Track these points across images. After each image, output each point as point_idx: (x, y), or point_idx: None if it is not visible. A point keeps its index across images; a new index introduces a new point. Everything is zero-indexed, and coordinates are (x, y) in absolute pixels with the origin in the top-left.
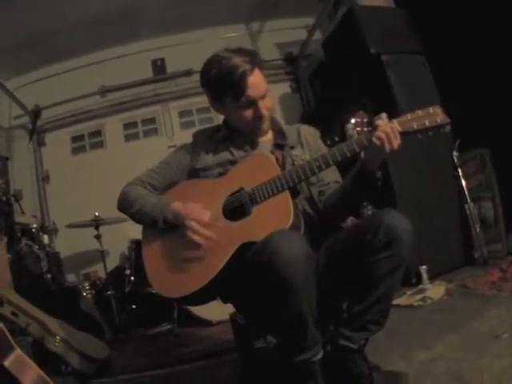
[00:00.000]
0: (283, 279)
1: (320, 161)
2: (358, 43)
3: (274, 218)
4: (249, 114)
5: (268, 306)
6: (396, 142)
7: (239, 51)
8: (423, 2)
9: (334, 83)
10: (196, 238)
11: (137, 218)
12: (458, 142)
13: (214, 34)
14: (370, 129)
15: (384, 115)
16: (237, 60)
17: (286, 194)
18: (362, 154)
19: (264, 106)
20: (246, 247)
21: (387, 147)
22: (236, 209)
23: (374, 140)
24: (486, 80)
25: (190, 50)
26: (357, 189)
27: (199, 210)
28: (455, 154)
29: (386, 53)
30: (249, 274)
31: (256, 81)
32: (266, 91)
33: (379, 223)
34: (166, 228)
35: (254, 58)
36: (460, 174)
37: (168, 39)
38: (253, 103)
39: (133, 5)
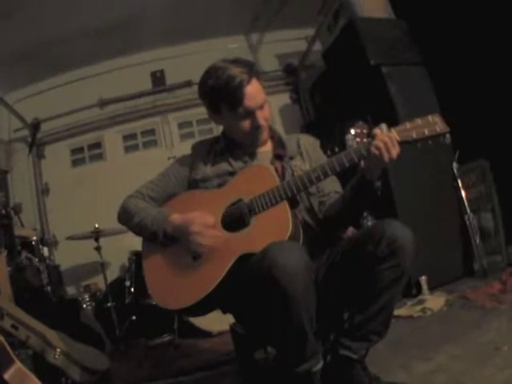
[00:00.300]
0: (282, 290)
1: (318, 171)
2: (358, 55)
3: (273, 229)
4: (246, 124)
5: (267, 317)
6: (395, 152)
7: (236, 62)
8: (423, 14)
9: (334, 94)
10: (204, 240)
11: (137, 231)
12: (457, 153)
13: (214, 46)
14: (370, 140)
15: (384, 126)
16: (234, 70)
17: (285, 205)
18: (362, 164)
19: (262, 116)
20: (244, 258)
21: (386, 157)
22: (235, 220)
23: (373, 149)
24: (486, 91)
25: (190, 61)
26: (357, 199)
27: (201, 214)
28: (455, 165)
29: (386, 64)
30: (248, 285)
31: (253, 91)
32: (264, 101)
33: (381, 234)
34: (165, 241)
35: (251, 69)
36: (460, 185)
37: (167, 51)
38: (250, 113)
39: (131, 17)
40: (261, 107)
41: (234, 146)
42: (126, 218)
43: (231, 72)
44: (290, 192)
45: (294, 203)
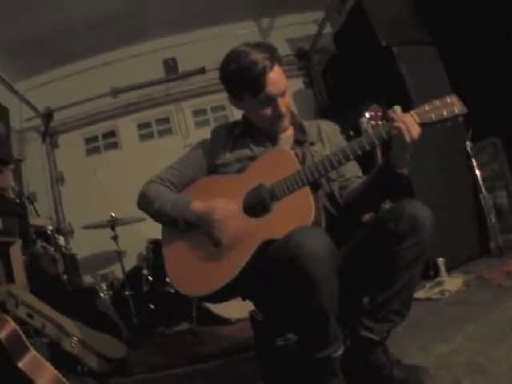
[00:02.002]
0: (307, 274)
1: (339, 155)
2: (368, 36)
3: (296, 214)
4: (268, 111)
5: (290, 302)
6: (415, 131)
7: (258, 46)
8: None
9: (347, 77)
10: (227, 229)
11: (157, 217)
12: (470, 131)
13: (225, 32)
14: (384, 122)
15: (398, 108)
16: (256, 56)
17: (307, 190)
18: (379, 150)
19: (283, 103)
20: (267, 244)
21: (407, 137)
22: (256, 205)
23: (393, 131)
24: (497, 68)
25: (201, 48)
26: (381, 186)
27: (224, 202)
28: (468, 144)
29: (397, 44)
30: (270, 271)
31: (276, 78)
32: (286, 88)
33: (401, 213)
34: (186, 228)
35: (273, 54)
36: (474, 163)
37: (178, 38)
38: (272, 100)
39: (142, 4)
40: (282, 94)
41: (254, 130)
42: (145, 203)
43: (253, 57)
44: (311, 176)
45: (315, 188)
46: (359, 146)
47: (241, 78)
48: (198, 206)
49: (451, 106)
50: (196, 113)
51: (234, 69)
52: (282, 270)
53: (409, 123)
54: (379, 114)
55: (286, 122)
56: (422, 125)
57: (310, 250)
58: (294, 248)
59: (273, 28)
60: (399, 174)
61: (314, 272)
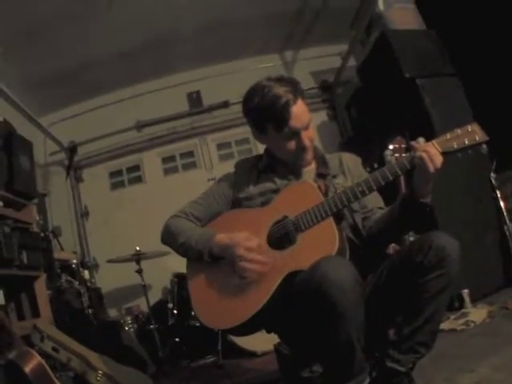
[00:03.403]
0: (333, 305)
1: (363, 186)
2: (392, 68)
3: (320, 245)
4: (292, 144)
5: (315, 334)
6: (438, 160)
7: (281, 80)
8: (454, 23)
9: (371, 109)
10: (249, 265)
11: (181, 251)
12: (495, 163)
13: (249, 65)
14: (410, 153)
15: (421, 140)
16: (279, 90)
17: (330, 221)
18: (402, 180)
19: (307, 136)
20: (291, 276)
21: (430, 166)
22: (281, 238)
23: (416, 160)
24: None
25: (225, 81)
26: (404, 216)
27: (246, 237)
28: (493, 175)
29: (421, 76)
30: (295, 302)
31: (299, 111)
32: (309, 121)
33: (429, 244)
34: (211, 261)
35: (296, 88)
36: (498, 195)
37: (202, 71)
38: (296, 134)
39: (166, 38)
40: (306, 127)
41: (277, 164)
42: (169, 238)
43: (276, 91)
44: (335, 207)
45: (338, 219)
46: (382, 177)
47: (264, 112)
48: (222, 238)
49: (472, 134)
50: (220, 146)
51: (258, 103)
52: (308, 300)
53: (431, 152)
54: (403, 146)
55: (309, 155)
56: (444, 153)
57: (334, 278)
58: (318, 278)
59: (296, 61)
60: (422, 204)
61: (339, 300)
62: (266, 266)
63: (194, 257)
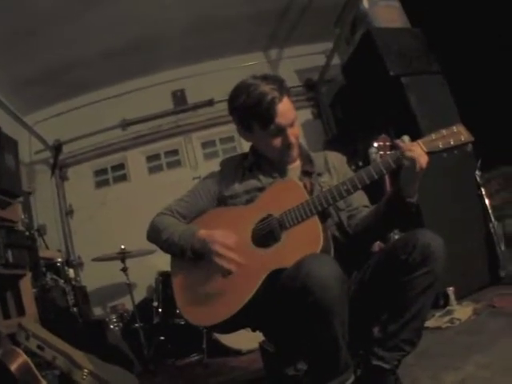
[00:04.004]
0: (317, 302)
1: (348, 184)
2: (376, 66)
3: (304, 243)
4: (277, 141)
5: (300, 331)
6: (424, 160)
7: (266, 78)
8: (439, 21)
9: (355, 107)
10: (222, 262)
11: (165, 247)
12: (479, 161)
13: (234, 64)
14: (395, 151)
15: (406, 138)
16: (265, 87)
17: (315, 219)
18: (387, 179)
19: (292, 133)
20: (275, 273)
21: (417, 166)
22: (265, 235)
23: (403, 161)
24: (506, 97)
25: (210, 79)
26: (391, 214)
27: (223, 234)
28: (478, 173)
29: (406, 74)
30: (279, 300)
31: (285, 108)
32: (295, 119)
33: (414, 242)
34: (193, 257)
35: (281, 85)
36: (483, 193)
37: (187, 70)
38: (281, 131)
39: (151, 37)
40: (291, 124)
41: (263, 162)
42: (154, 235)
43: (262, 89)
44: (320, 206)
45: (324, 217)
46: (367, 175)
47: (250, 109)
48: (202, 233)
49: (458, 134)
50: (205, 144)
51: (244, 101)
52: (292, 298)
53: (417, 152)
54: (388, 143)
55: (295, 152)
56: (429, 153)
57: (319, 275)
58: (303, 275)
59: (281, 59)
60: (408, 203)
61: (323, 297)
62: (238, 264)
63: (178, 253)
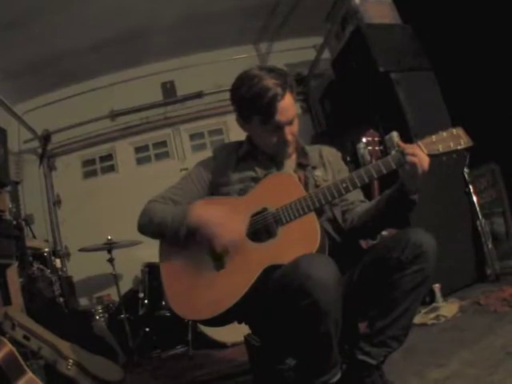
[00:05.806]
0: (315, 304)
1: (347, 182)
2: (366, 62)
3: (302, 240)
4: (273, 138)
5: (292, 328)
6: (426, 164)
7: (271, 71)
8: (429, 18)
9: (344, 102)
10: (219, 238)
11: (158, 231)
12: (468, 158)
13: (223, 56)
14: (381, 148)
15: (395, 134)
16: (268, 82)
17: (313, 216)
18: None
19: (290, 131)
20: (270, 269)
21: (419, 170)
22: (260, 230)
23: (406, 166)
24: (495, 95)
25: (200, 72)
26: (391, 210)
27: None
28: (466, 170)
29: (395, 71)
30: (272, 296)
31: (286, 106)
32: (295, 116)
33: (406, 240)
34: (187, 234)
35: (285, 81)
36: (471, 190)
37: (177, 62)
38: (280, 128)
39: (141, 28)
40: (290, 122)
41: (259, 153)
42: (146, 221)
43: (265, 83)
44: (318, 202)
45: (318, 213)
46: (367, 175)
47: (251, 102)
48: (199, 204)
49: (457, 138)
50: (193, 136)
51: (245, 92)
52: (289, 297)
53: (420, 156)
54: (376, 139)
55: (290, 149)
56: (430, 156)
57: (318, 277)
58: (301, 276)
59: (271, 53)
60: (411, 200)
61: (322, 299)
62: (243, 251)
63: (171, 234)
